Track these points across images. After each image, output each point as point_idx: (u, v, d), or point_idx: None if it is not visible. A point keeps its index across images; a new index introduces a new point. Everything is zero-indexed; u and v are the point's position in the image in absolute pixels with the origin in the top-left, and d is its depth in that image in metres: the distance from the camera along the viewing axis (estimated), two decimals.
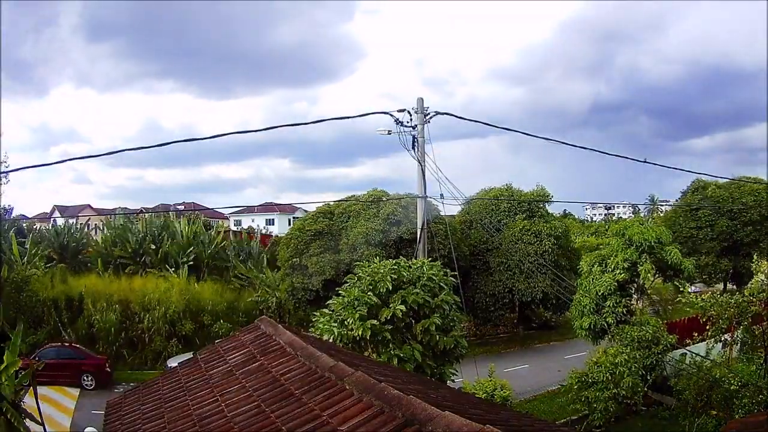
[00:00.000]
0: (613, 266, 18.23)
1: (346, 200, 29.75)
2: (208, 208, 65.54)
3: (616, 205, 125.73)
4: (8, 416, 11.02)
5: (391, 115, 14.53)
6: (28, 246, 32.98)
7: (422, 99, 14.84)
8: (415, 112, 14.70)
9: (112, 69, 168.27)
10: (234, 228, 64.97)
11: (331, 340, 9.36)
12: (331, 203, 30.26)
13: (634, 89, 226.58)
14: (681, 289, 18.67)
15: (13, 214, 45.49)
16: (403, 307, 9.55)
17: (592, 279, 18.77)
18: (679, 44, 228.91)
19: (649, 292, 20.14)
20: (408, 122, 14.70)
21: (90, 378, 22.57)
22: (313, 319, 10.79)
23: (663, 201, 76.83)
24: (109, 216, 45.86)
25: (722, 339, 17.15)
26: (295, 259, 27.78)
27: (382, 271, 10.21)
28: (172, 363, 20.42)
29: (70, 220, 49.59)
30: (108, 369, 23.18)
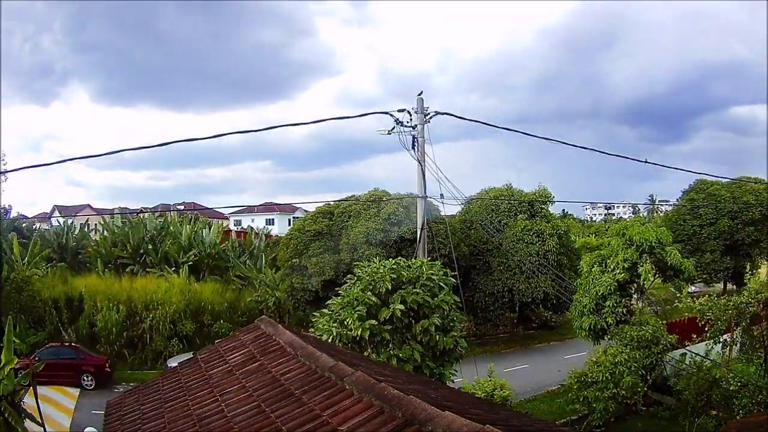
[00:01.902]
0: (613, 266, 18.24)
1: (346, 200, 29.75)
2: (208, 208, 65.56)
3: (615, 205, 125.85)
4: (6, 415, 11.00)
5: (391, 115, 14.51)
6: (29, 246, 32.99)
7: (422, 99, 14.82)
8: (415, 112, 14.67)
9: (84, 83, 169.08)
10: (234, 228, 65.02)
11: (330, 341, 9.36)
12: (331, 203, 30.26)
13: (610, 96, 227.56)
14: (680, 292, 18.67)
15: (12, 214, 45.49)
16: (401, 307, 9.54)
17: (592, 279, 18.79)
18: (652, 50, 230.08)
19: (648, 292, 20.13)
20: (408, 122, 14.68)
21: (90, 378, 22.56)
22: (313, 320, 10.79)
23: (663, 201, 76.89)
24: (108, 216, 45.84)
25: (721, 340, 17.16)
26: (294, 260, 27.78)
27: (381, 271, 10.20)
28: (172, 363, 20.43)
29: (70, 220, 49.60)
30: (108, 369, 23.18)
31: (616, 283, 18.01)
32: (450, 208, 52.98)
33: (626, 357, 16.36)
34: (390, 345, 9.56)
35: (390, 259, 11.02)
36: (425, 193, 15.10)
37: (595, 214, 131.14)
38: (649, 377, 17.74)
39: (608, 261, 18.65)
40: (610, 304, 18.01)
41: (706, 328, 16.48)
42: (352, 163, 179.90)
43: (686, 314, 18.98)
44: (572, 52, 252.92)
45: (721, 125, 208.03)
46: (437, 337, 9.83)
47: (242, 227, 67.24)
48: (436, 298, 10.10)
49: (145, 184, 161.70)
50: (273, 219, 79.49)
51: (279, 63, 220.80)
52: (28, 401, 13.20)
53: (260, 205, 74.84)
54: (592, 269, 19.03)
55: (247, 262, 35.90)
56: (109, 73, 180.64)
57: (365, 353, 9.29)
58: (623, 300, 18.40)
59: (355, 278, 10.56)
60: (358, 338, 9.38)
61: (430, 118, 14.84)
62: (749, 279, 17.21)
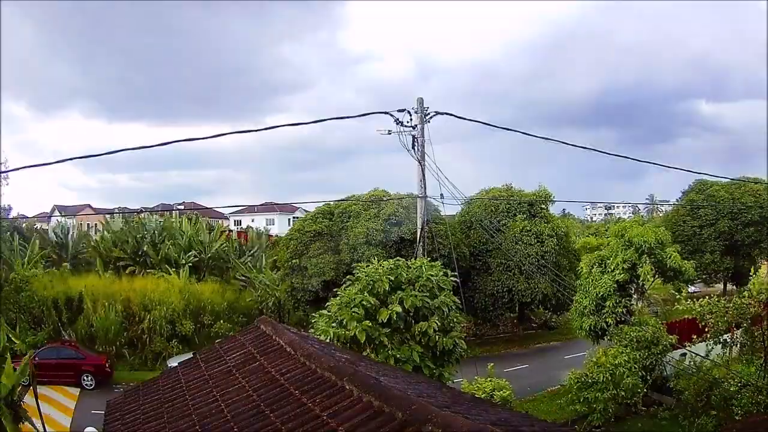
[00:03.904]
0: (612, 267, 18.24)
1: (346, 200, 29.73)
2: (208, 208, 65.57)
3: (615, 205, 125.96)
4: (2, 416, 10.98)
5: (392, 115, 14.52)
6: (29, 246, 32.99)
7: (422, 99, 14.83)
8: (415, 112, 14.68)
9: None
10: (234, 228, 65.04)
11: (329, 341, 9.35)
12: (331, 203, 30.23)
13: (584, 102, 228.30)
14: (679, 294, 18.67)
15: (12, 214, 45.48)
16: (399, 309, 9.53)
17: (592, 280, 18.79)
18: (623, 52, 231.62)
19: (648, 293, 20.14)
20: (408, 122, 14.68)
21: (90, 378, 22.56)
22: (312, 320, 10.78)
23: (663, 201, 76.86)
24: (108, 216, 45.86)
25: (722, 340, 17.15)
26: (294, 260, 27.75)
27: (380, 271, 10.19)
28: (172, 363, 20.41)
29: (70, 220, 49.60)
30: (108, 369, 23.18)
31: (615, 284, 18.02)
32: (450, 209, 53.00)
33: (627, 358, 16.36)
34: (388, 346, 9.55)
35: (389, 260, 11.01)
36: (425, 193, 15.10)
37: (595, 214, 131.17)
38: (649, 378, 17.74)
39: (608, 262, 18.66)
40: (610, 305, 18.02)
41: (707, 329, 16.48)
42: (337, 168, 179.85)
43: (686, 316, 18.99)
44: (545, 59, 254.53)
45: (690, 123, 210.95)
46: (436, 337, 9.82)
47: (242, 227, 67.24)
48: (435, 300, 10.08)
49: (132, 185, 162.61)
50: (273, 219, 79.51)
51: (253, 81, 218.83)
52: (28, 401, 13.18)
53: (260, 205, 74.79)
54: (592, 270, 19.03)
55: (248, 262, 35.92)
56: (95, 91, 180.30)
57: (364, 353, 9.28)
58: (623, 300, 18.40)
59: (354, 279, 10.55)
60: (357, 338, 9.37)
61: (430, 118, 14.84)
62: (754, 276, 17.09)
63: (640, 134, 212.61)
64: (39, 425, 13.26)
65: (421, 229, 15.17)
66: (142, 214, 40.10)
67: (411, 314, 9.95)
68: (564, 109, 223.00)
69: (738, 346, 17.49)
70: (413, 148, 14.79)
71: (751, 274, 16.85)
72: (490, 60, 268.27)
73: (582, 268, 20.02)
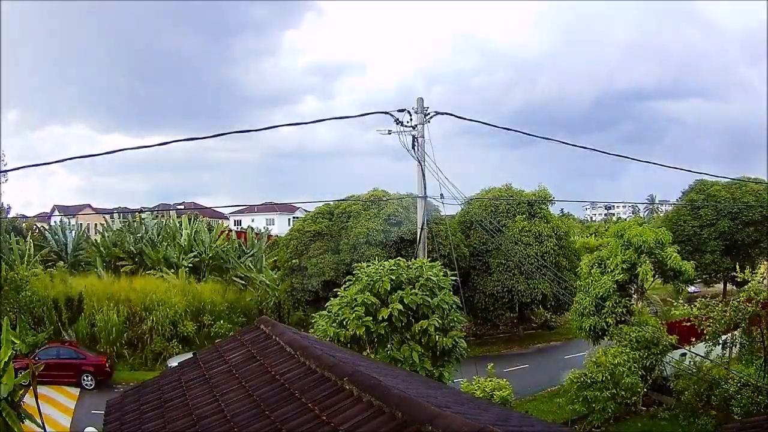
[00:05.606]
0: (612, 267, 18.25)
1: (346, 200, 29.72)
2: (208, 208, 65.62)
3: (615, 205, 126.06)
4: (5, 415, 11.01)
5: (391, 115, 14.51)
6: (28, 246, 32.98)
7: (422, 99, 14.83)
8: (415, 112, 14.67)
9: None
10: (234, 228, 65.07)
11: (329, 341, 9.36)
12: (331, 203, 30.23)
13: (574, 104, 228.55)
14: (679, 294, 18.69)
15: (11, 214, 45.45)
16: (400, 307, 9.54)
17: (592, 280, 18.80)
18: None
19: (648, 293, 20.17)
20: (408, 122, 14.68)
21: (90, 378, 22.57)
22: (312, 320, 10.80)
23: (663, 200, 76.85)
24: (108, 216, 45.82)
25: (721, 341, 17.18)
26: (294, 261, 27.76)
27: (380, 271, 10.20)
28: (172, 363, 20.42)
29: (69, 220, 49.56)
30: (108, 369, 23.19)
31: (615, 284, 18.03)
32: (450, 209, 52.96)
33: (626, 358, 16.37)
34: (388, 345, 9.57)
35: (390, 260, 11.02)
36: (425, 193, 15.08)
37: (595, 214, 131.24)
38: (649, 377, 17.75)
39: (607, 262, 18.67)
40: (610, 305, 18.03)
41: (705, 332, 16.52)
42: (330, 170, 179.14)
43: (686, 324, 19.04)
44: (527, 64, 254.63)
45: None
46: (437, 337, 9.83)
47: (242, 227, 67.24)
48: (435, 299, 10.08)
49: (128, 187, 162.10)
50: (273, 219, 79.56)
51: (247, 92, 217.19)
52: (28, 401, 13.20)
53: (260, 205, 74.82)
54: (592, 270, 19.04)
55: (248, 263, 35.92)
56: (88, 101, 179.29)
57: (364, 353, 9.29)
58: (623, 300, 18.42)
59: (354, 279, 10.56)
60: (357, 337, 9.39)
61: (430, 118, 14.83)
62: (750, 276, 17.11)
63: (621, 136, 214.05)
64: (39, 425, 13.27)
65: (422, 229, 15.16)
66: (142, 214, 40.09)
67: (411, 313, 9.96)
68: (552, 115, 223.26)
69: (737, 346, 17.51)
70: (413, 148, 14.79)
71: (747, 277, 16.85)
72: (473, 69, 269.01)
73: (582, 268, 20.03)
